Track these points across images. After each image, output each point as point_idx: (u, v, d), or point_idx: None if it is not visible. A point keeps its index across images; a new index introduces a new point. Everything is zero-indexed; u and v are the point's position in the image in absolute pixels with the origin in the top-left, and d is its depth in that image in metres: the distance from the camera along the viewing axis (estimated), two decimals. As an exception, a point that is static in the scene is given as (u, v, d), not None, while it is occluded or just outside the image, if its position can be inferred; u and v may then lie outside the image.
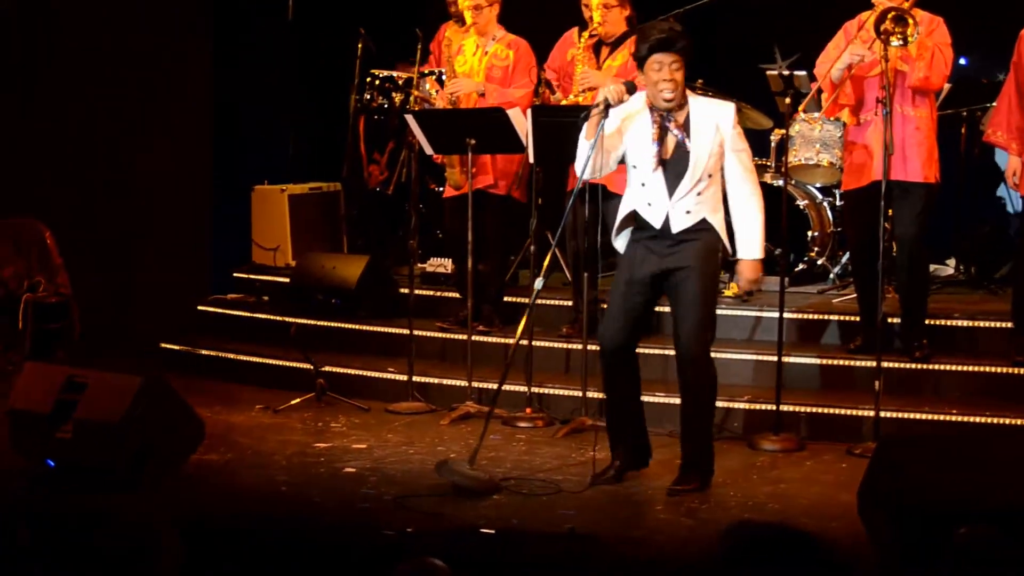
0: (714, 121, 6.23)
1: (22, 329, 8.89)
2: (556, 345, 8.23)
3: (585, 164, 6.19)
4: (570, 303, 8.36)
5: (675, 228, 6.25)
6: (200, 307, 9.86)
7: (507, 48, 8.44)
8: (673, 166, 6.23)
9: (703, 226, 6.26)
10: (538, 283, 6.33)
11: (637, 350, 6.53)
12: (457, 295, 8.74)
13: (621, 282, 6.41)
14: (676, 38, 6.20)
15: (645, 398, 6.73)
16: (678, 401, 6.72)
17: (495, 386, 7.85)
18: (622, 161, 6.37)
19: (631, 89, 6.32)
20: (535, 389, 7.76)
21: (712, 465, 6.50)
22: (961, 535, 4.46)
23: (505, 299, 8.71)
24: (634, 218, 6.36)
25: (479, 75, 8.39)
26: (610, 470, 6.56)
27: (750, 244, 6.27)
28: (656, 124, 6.24)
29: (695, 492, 6.35)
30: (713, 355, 7.86)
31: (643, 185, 6.30)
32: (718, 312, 8.23)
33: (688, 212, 6.24)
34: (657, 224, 6.28)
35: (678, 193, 6.23)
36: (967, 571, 4.37)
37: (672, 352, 6.68)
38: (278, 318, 9.23)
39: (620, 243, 6.45)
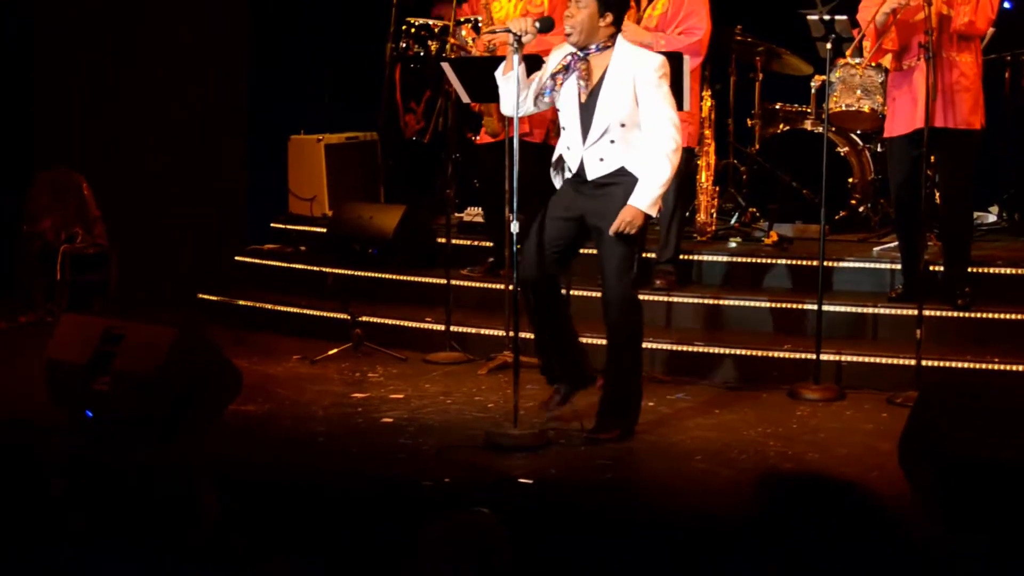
0: (631, 73, 6.16)
1: (60, 280, 8.91)
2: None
3: (515, 100, 6.25)
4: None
5: (590, 175, 6.24)
6: (237, 258, 9.86)
7: (542, -6, 8.36)
8: (587, 111, 6.21)
9: (623, 173, 6.22)
10: (514, 226, 6.28)
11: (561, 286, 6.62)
12: (490, 243, 8.71)
13: (543, 217, 6.38)
14: None
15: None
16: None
17: (533, 336, 7.86)
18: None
19: (546, 25, 6.31)
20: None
21: (637, 412, 6.48)
22: None
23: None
24: (562, 162, 6.39)
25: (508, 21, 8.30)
26: (555, 396, 6.57)
27: (642, 195, 6.15)
28: (562, 64, 6.26)
29: (617, 441, 6.33)
30: (753, 304, 7.90)
31: (564, 128, 6.33)
32: (760, 261, 8.28)
33: (602, 160, 6.21)
34: (574, 168, 6.30)
35: (589, 139, 6.21)
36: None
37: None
38: (315, 268, 9.23)
39: (557, 182, 6.46)
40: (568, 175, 6.38)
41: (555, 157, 6.43)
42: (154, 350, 6.32)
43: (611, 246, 6.24)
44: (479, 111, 8.48)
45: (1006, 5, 8.61)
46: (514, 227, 6.27)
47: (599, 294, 6.46)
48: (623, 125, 6.17)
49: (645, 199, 6.16)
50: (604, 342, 6.55)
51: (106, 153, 9.68)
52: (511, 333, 7.78)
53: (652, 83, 6.16)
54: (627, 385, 6.45)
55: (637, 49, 6.36)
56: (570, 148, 6.31)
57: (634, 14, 7.93)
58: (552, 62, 6.36)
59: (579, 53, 6.23)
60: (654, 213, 6.25)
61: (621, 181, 6.21)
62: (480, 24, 8.63)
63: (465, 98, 7.93)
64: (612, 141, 6.19)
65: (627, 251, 6.25)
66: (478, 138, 8.66)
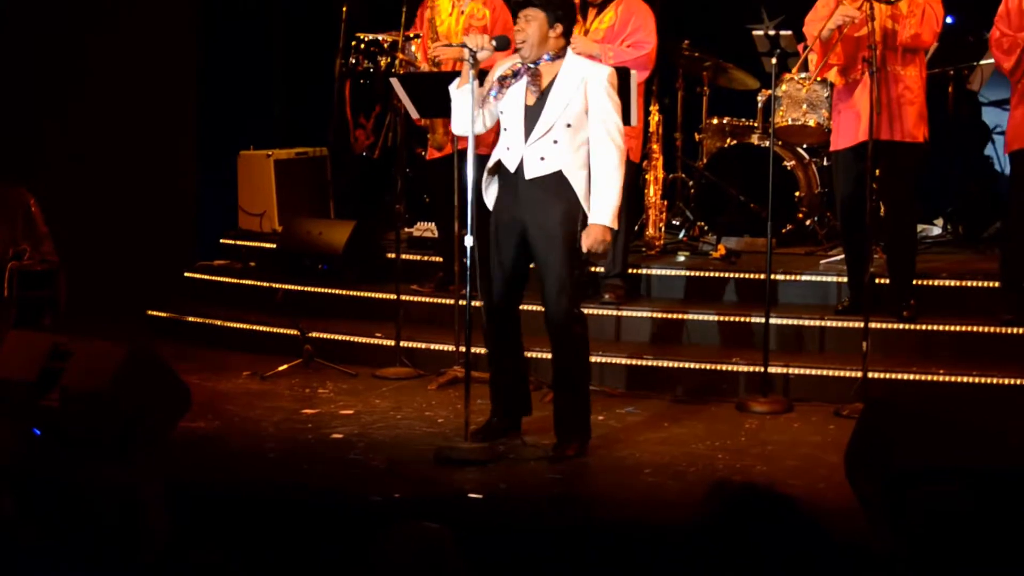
0: (582, 78, 6.22)
1: (7, 297, 8.85)
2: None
3: (471, 115, 6.24)
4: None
5: (528, 173, 6.24)
6: (187, 274, 9.84)
7: (483, 7, 8.38)
8: (533, 111, 6.25)
9: (561, 182, 6.22)
10: (468, 240, 6.30)
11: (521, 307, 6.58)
12: (440, 259, 8.74)
13: (492, 241, 6.39)
14: None
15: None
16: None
17: (484, 351, 7.87)
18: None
19: (503, 43, 6.34)
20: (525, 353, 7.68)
21: (588, 426, 6.50)
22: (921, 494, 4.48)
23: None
24: (497, 168, 6.38)
25: (457, 36, 8.27)
26: (492, 423, 6.59)
27: (600, 210, 6.18)
28: (511, 69, 6.32)
29: (577, 457, 6.35)
30: (702, 318, 7.96)
31: (506, 130, 6.34)
32: (708, 274, 8.34)
33: (542, 159, 6.23)
34: (512, 167, 6.29)
35: (532, 137, 6.22)
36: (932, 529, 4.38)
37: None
38: (265, 284, 9.21)
39: (488, 198, 6.45)
40: (497, 186, 6.38)
41: (491, 163, 6.42)
42: (103, 367, 6.30)
43: (551, 261, 6.26)
44: (424, 126, 8.50)
45: (948, 20, 8.70)
46: (468, 241, 6.28)
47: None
48: (568, 126, 6.20)
49: (606, 213, 6.18)
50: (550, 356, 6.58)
51: (55, 169, 9.63)
52: (462, 348, 7.80)
53: (602, 92, 6.21)
54: (577, 399, 6.47)
55: (589, 60, 6.43)
56: (510, 148, 6.31)
57: (581, 26, 7.97)
58: (498, 69, 6.40)
59: (530, 65, 6.28)
60: (616, 225, 6.28)
61: (559, 192, 6.21)
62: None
63: (414, 114, 7.95)
64: (555, 141, 6.21)
65: (567, 265, 6.27)
66: (427, 154, 8.68)
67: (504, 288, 6.40)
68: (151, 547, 3.62)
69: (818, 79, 8.34)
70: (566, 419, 6.43)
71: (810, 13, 7.58)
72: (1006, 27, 7.32)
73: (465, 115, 6.28)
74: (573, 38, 7.61)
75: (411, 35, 9.15)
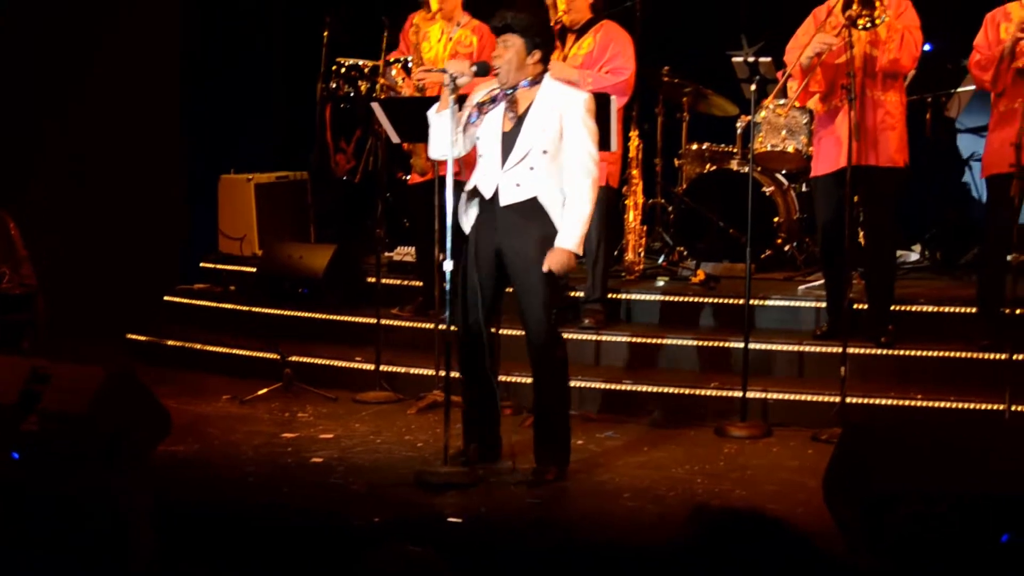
0: (557, 104, 6.26)
1: (-14, 321, 8.83)
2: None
3: (450, 140, 6.25)
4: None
5: (503, 200, 6.27)
6: (166, 297, 9.83)
7: (472, 34, 8.42)
8: (510, 138, 6.28)
9: (536, 208, 6.24)
10: (447, 265, 6.30)
11: (496, 330, 6.58)
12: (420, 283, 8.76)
13: (470, 265, 6.39)
14: (497, 19, 6.33)
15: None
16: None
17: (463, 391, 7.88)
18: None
19: (483, 69, 6.37)
20: (504, 378, 7.69)
21: (568, 451, 6.51)
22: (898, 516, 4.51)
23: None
24: (474, 193, 6.40)
25: (443, 63, 8.31)
26: (463, 456, 6.54)
27: (566, 235, 6.20)
28: (489, 95, 6.35)
29: (556, 482, 6.35)
30: (681, 342, 7.98)
31: (482, 156, 6.38)
32: (688, 299, 8.37)
33: (518, 185, 6.25)
34: (488, 193, 6.31)
35: (509, 162, 6.25)
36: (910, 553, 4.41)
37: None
38: (244, 308, 9.21)
39: (466, 224, 6.45)
40: (475, 211, 6.39)
41: (467, 189, 6.43)
42: (82, 390, 6.29)
43: (529, 285, 6.28)
44: (408, 150, 8.54)
45: (926, 47, 8.76)
46: (447, 266, 6.29)
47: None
48: (544, 152, 6.22)
49: (571, 238, 6.20)
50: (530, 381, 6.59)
51: (35, 191, 9.62)
52: (441, 372, 7.81)
53: (578, 118, 6.23)
54: (556, 422, 6.47)
55: (566, 86, 6.45)
56: (486, 175, 6.35)
57: (560, 52, 7.99)
58: (477, 95, 6.43)
59: (507, 92, 6.31)
60: (580, 251, 6.30)
61: (535, 218, 6.23)
62: (410, 64, 8.68)
63: (394, 138, 7.97)
64: (531, 168, 6.23)
65: (545, 289, 6.28)
66: (410, 179, 8.70)
67: (479, 312, 6.37)
68: (137, 562, 3.62)
69: (797, 106, 8.38)
70: (545, 443, 6.44)
71: (791, 41, 7.62)
72: (985, 50, 7.38)
73: (444, 139, 6.30)
74: (551, 64, 7.67)
75: (391, 60, 9.18)
